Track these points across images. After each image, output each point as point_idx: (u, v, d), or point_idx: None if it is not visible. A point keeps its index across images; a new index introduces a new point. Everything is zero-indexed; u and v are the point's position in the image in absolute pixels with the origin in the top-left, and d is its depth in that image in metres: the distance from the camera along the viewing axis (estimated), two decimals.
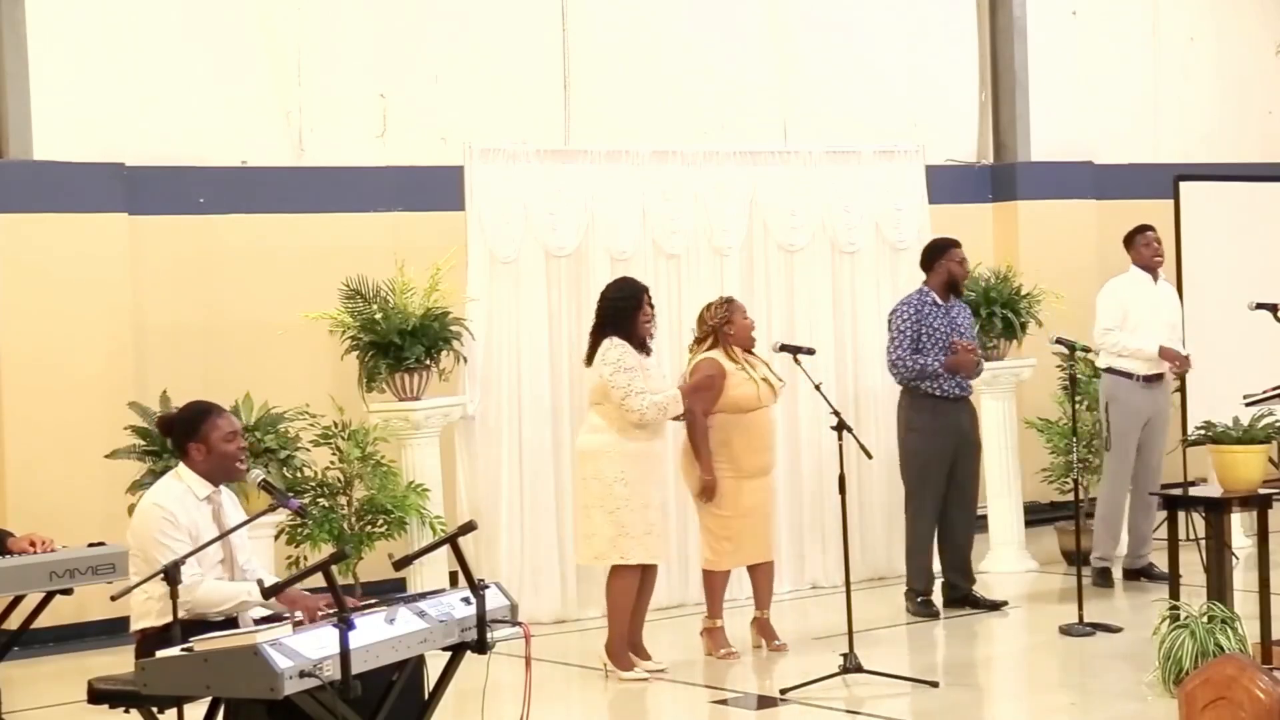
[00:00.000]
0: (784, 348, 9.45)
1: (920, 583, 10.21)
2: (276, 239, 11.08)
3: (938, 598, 10.27)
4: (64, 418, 10.20)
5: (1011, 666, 9.60)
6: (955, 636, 9.92)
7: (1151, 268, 10.78)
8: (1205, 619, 7.78)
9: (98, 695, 6.38)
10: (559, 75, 12.01)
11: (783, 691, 8.49)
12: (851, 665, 8.53)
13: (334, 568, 5.64)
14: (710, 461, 9.11)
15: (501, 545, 10.31)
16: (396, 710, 5.96)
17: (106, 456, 9.60)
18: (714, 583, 9.37)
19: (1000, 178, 13.73)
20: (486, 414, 10.37)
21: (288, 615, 6.19)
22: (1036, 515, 12.38)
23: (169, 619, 6.04)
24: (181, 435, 6.65)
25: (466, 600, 6.07)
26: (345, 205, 11.30)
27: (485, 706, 6.67)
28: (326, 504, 9.80)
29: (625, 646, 8.96)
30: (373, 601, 6.11)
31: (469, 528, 6.46)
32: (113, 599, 6.26)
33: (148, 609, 6.41)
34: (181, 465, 6.64)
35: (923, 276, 10.92)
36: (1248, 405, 8.59)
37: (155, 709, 6.16)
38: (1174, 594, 8.32)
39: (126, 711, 6.25)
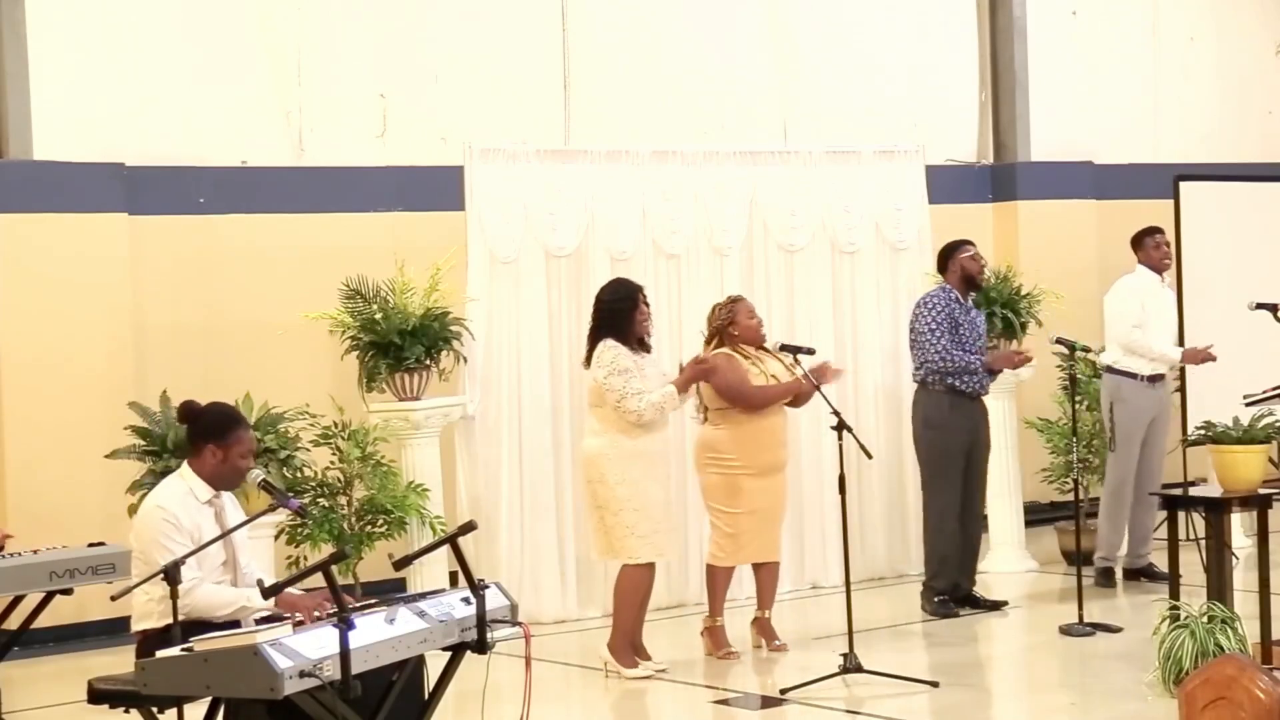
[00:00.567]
0: (784, 348, 9.44)
1: (940, 581, 10.16)
2: (276, 239, 11.08)
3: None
4: (64, 418, 10.20)
5: (1011, 666, 9.60)
6: (955, 636, 9.92)
7: (1160, 269, 10.79)
8: (1205, 619, 7.78)
9: (98, 695, 6.38)
10: (559, 75, 12.01)
11: (783, 691, 8.49)
12: (851, 665, 8.53)
13: (334, 568, 5.64)
14: (750, 386, 9.11)
15: (501, 545, 10.31)
16: (396, 710, 5.96)
17: (106, 456, 9.60)
18: (716, 580, 9.37)
19: (1000, 178, 13.72)
20: (486, 414, 10.37)
21: (286, 616, 6.19)
22: (1036, 515, 12.38)
23: (169, 620, 6.04)
24: (205, 433, 6.61)
25: (466, 600, 6.07)
26: (345, 205, 11.29)
27: (485, 706, 6.67)
28: (326, 504, 9.80)
29: (629, 644, 8.96)
30: (373, 601, 6.11)
31: (469, 528, 6.46)
32: (113, 599, 6.26)
33: (149, 610, 6.41)
34: (185, 466, 6.63)
35: (922, 276, 10.96)
36: (1248, 405, 8.58)
37: (155, 709, 6.16)
38: (1174, 594, 8.32)
39: (126, 711, 6.25)
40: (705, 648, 9.38)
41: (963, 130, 13.77)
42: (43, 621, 7.44)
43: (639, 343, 8.95)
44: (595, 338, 8.92)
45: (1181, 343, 11.14)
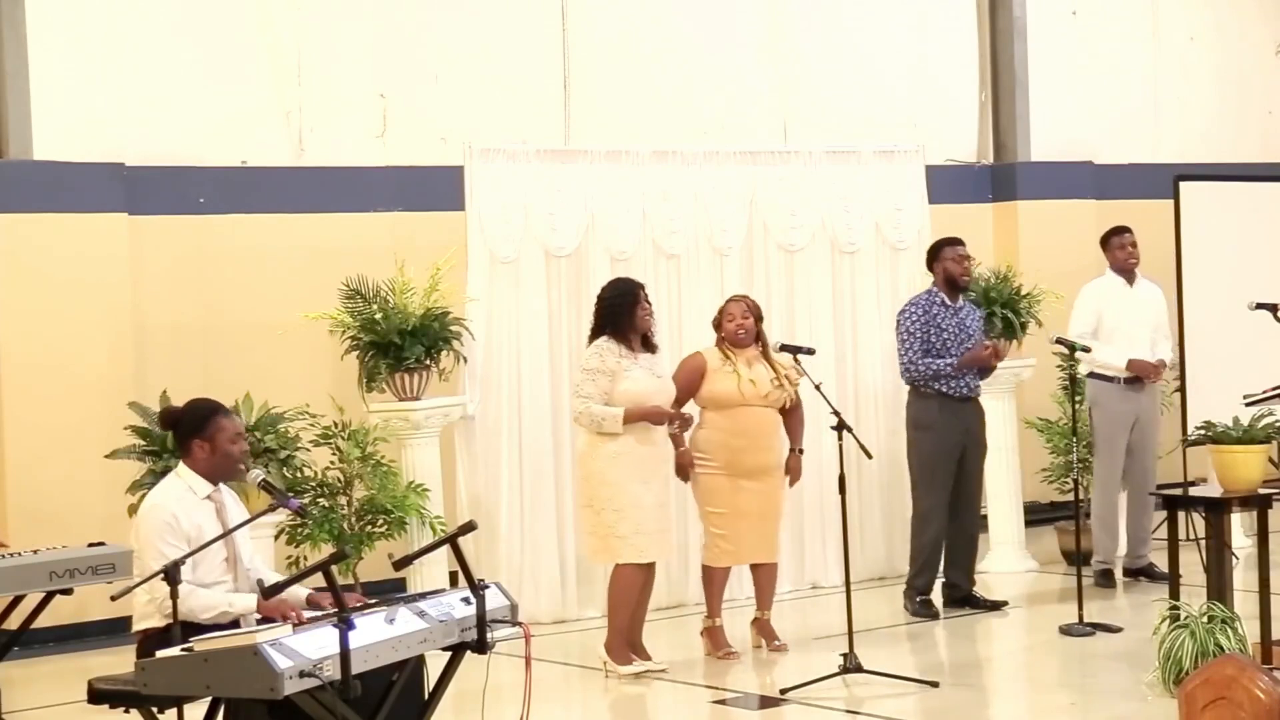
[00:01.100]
0: (784, 348, 9.44)
1: (922, 582, 10.20)
2: (276, 239, 11.08)
3: (937, 598, 10.27)
4: (64, 418, 10.20)
5: (1011, 666, 9.60)
6: (955, 636, 9.92)
7: (1127, 270, 10.80)
8: (1205, 619, 7.78)
9: (98, 695, 6.37)
10: (559, 75, 12.01)
11: (783, 691, 8.49)
12: (851, 665, 8.53)
13: (334, 568, 5.64)
14: (680, 438, 9.17)
15: (501, 545, 10.31)
16: (396, 710, 5.96)
17: (106, 456, 9.60)
18: (711, 580, 9.37)
19: (1000, 178, 13.73)
20: (486, 414, 10.38)
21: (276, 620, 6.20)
22: (1036, 515, 12.38)
23: (168, 620, 6.04)
24: (187, 431, 6.65)
25: (466, 600, 6.07)
26: (345, 205, 11.30)
27: (485, 706, 6.67)
28: (326, 504, 9.80)
29: (624, 643, 8.96)
30: (373, 601, 6.11)
31: (469, 528, 6.46)
32: (113, 599, 6.26)
33: (148, 610, 6.41)
34: (181, 464, 6.64)
35: (922, 276, 10.95)
36: (1248, 405, 8.58)
37: (155, 709, 6.15)
38: (1174, 594, 8.31)
39: (126, 711, 6.25)
40: (705, 648, 9.38)
41: (963, 130, 13.77)
42: (43, 621, 7.43)
43: (643, 340, 8.96)
44: (594, 336, 8.94)
45: (1181, 341, 11.15)
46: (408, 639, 5.81)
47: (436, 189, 11.18)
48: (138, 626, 6.50)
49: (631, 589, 8.92)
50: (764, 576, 9.49)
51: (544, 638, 9.59)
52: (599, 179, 10.70)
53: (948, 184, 12.86)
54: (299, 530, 9.64)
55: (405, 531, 9.90)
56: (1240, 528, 11.03)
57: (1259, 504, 8.46)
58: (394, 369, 10.03)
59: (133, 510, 7.14)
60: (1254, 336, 10.37)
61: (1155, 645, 7.91)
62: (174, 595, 5.96)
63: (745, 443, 9.21)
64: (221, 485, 6.67)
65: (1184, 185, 11.69)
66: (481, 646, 6.07)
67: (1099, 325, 10.63)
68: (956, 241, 10.32)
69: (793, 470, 9.42)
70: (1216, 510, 8.36)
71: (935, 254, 10.28)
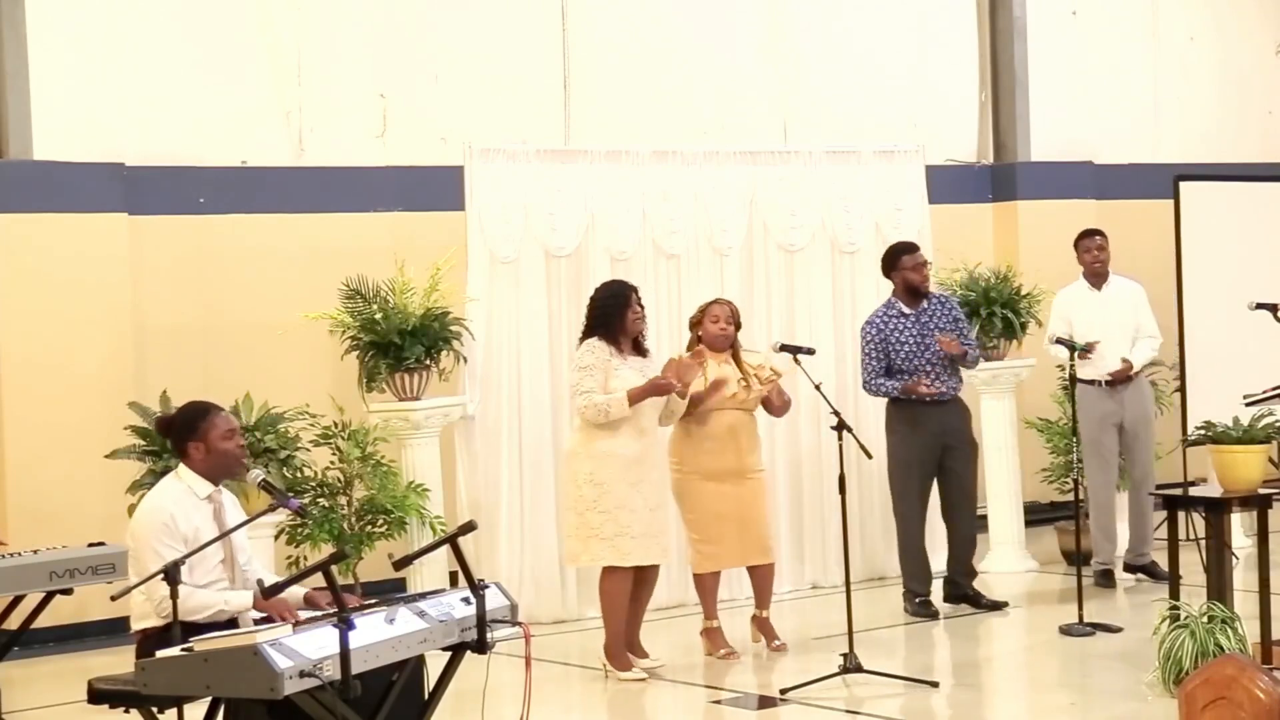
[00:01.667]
0: (784, 348, 9.44)
1: (916, 583, 10.22)
2: (276, 239, 11.08)
3: (936, 597, 10.27)
4: (64, 418, 10.20)
5: (1011, 666, 9.60)
6: (955, 636, 9.92)
7: (1094, 273, 10.81)
8: (1205, 619, 7.78)
9: (98, 695, 6.38)
10: (559, 75, 12.01)
11: (783, 691, 8.49)
12: (851, 665, 8.53)
13: (334, 568, 5.64)
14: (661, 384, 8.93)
15: (501, 545, 10.31)
16: (396, 710, 5.96)
17: (106, 456, 9.60)
18: (703, 585, 9.37)
19: (1000, 178, 13.73)
20: (486, 414, 10.37)
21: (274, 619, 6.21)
22: (1036, 515, 12.38)
23: (166, 620, 6.04)
24: (180, 436, 6.65)
25: (466, 600, 6.07)
26: (345, 205, 11.30)
27: (485, 706, 6.67)
28: (326, 504, 9.80)
29: (622, 646, 8.96)
30: (373, 601, 6.11)
31: (469, 528, 6.46)
32: (113, 599, 6.26)
33: (146, 610, 6.41)
34: (181, 466, 6.64)
35: None
36: (1248, 405, 8.58)
37: (155, 709, 6.16)
38: (1174, 594, 8.31)
39: (126, 711, 6.25)
40: (704, 648, 9.38)
41: (963, 130, 13.77)
42: (43, 621, 7.44)
43: (634, 344, 8.95)
44: (585, 337, 8.94)
45: (1181, 341, 11.16)
46: (408, 639, 5.81)
47: (436, 189, 11.18)
48: (136, 626, 6.50)
49: (619, 593, 8.90)
50: (760, 577, 9.48)
51: (544, 638, 9.59)
52: (599, 179, 10.69)
53: (948, 184, 12.86)
54: (299, 530, 9.64)
55: (405, 531, 9.90)
56: (1240, 528, 11.03)
57: (1259, 504, 8.46)
58: (394, 369, 10.03)
59: (133, 510, 7.14)
60: (1254, 336, 10.37)
61: (1155, 645, 7.91)
62: (174, 595, 5.96)
63: (715, 445, 9.19)
64: (221, 487, 6.67)
65: (1184, 185, 11.69)
66: (481, 646, 6.07)
67: (1070, 331, 10.62)
68: (913, 248, 10.31)
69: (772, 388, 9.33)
70: (1216, 510, 8.35)
71: (893, 262, 10.24)
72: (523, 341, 10.46)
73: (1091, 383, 10.66)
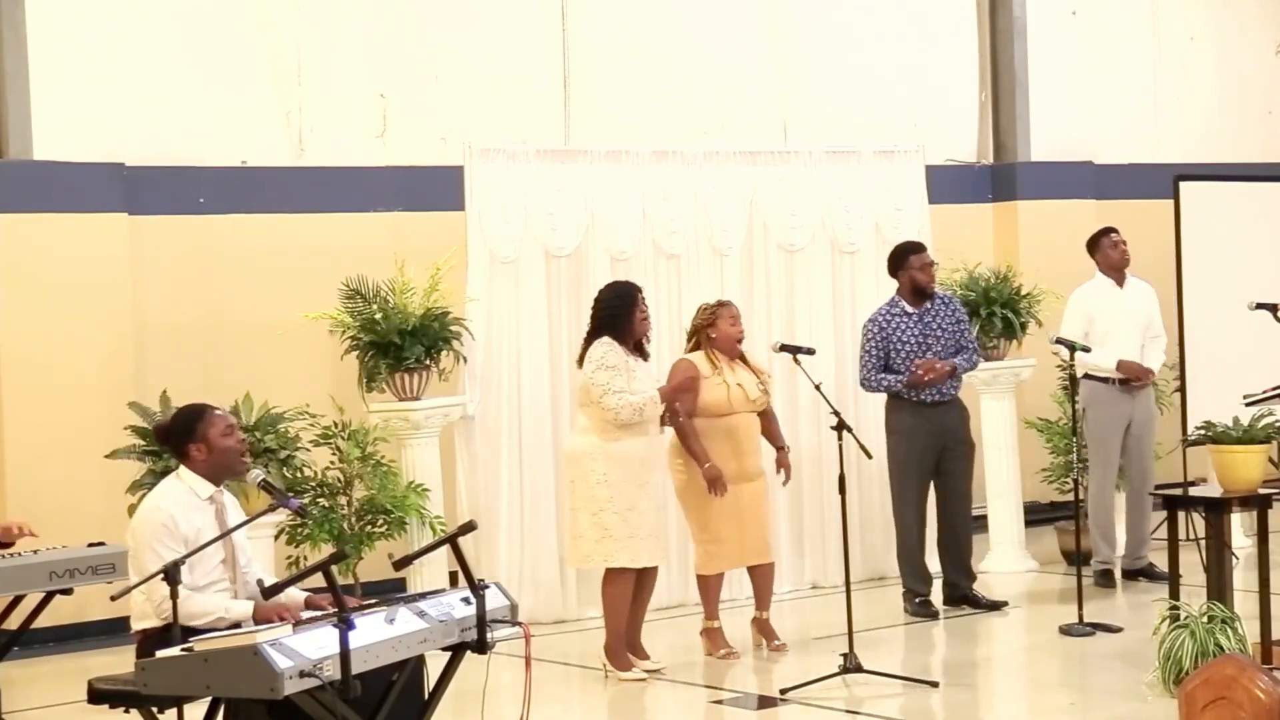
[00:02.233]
0: (784, 348, 9.44)
1: (915, 583, 10.22)
2: (276, 239, 11.08)
3: (936, 597, 10.27)
4: (64, 418, 10.20)
5: (1011, 666, 9.60)
6: (955, 636, 9.93)
7: (1121, 269, 10.79)
8: (1205, 619, 7.78)
9: (98, 695, 6.38)
10: (559, 75, 12.01)
11: (783, 691, 8.49)
12: (851, 665, 8.53)
13: (334, 568, 5.64)
14: (705, 455, 9.07)
15: (501, 545, 10.31)
16: (396, 710, 5.96)
17: (106, 456, 9.60)
18: (706, 586, 9.37)
19: (1000, 178, 13.73)
20: (486, 414, 10.37)
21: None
22: (1036, 515, 12.38)
23: (166, 621, 6.04)
24: (179, 440, 6.63)
25: (466, 600, 6.07)
26: (345, 205, 11.30)
27: (485, 706, 6.68)
28: (326, 504, 9.80)
29: (623, 647, 8.96)
30: (373, 601, 6.11)
31: (469, 528, 6.46)
32: (113, 599, 6.26)
33: (146, 610, 6.41)
34: (183, 467, 6.63)
35: None
36: (1248, 405, 8.58)
37: (155, 709, 6.16)
38: (1174, 594, 8.31)
39: (126, 711, 6.25)
40: (704, 648, 9.38)
41: (963, 130, 13.78)
42: (43, 621, 7.44)
43: (636, 346, 8.94)
44: (592, 338, 8.92)
45: (1181, 341, 11.15)
46: (408, 639, 5.81)
47: (436, 189, 11.18)
48: (136, 627, 6.50)
49: (623, 595, 8.90)
50: (761, 577, 9.49)
51: (544, 638, 9.59)
52: (599, 179, 10.69)
53: (948, 184, 12.86)
54: (299, 530, 9.64)
55: (405, 531, 9.90)
56: (1240, 528, 11.02)
57: (1259, 504, 8.46)
58: (394, 369, 10.03)
59: (133, 510, 7.14)
60: (1254, 336, 10.37)
61: (1155, 645, 7.91)
62: (174, 596, 5.96)
63: (731, 449, 9.19)
64: (223, 489, 6.66)
65: (1184, 185, 11.69)
66: (481, 646, 6.07)
67: (1090, 329, 10.62)
68: (920, 248, 10.31)
69: (786, 467, 9.40)
70: (1216, 510, 8.36)
71: (900, 261, 10.23)
72: (523, 341, 10.46)
73: (1106, 381, 10.64)
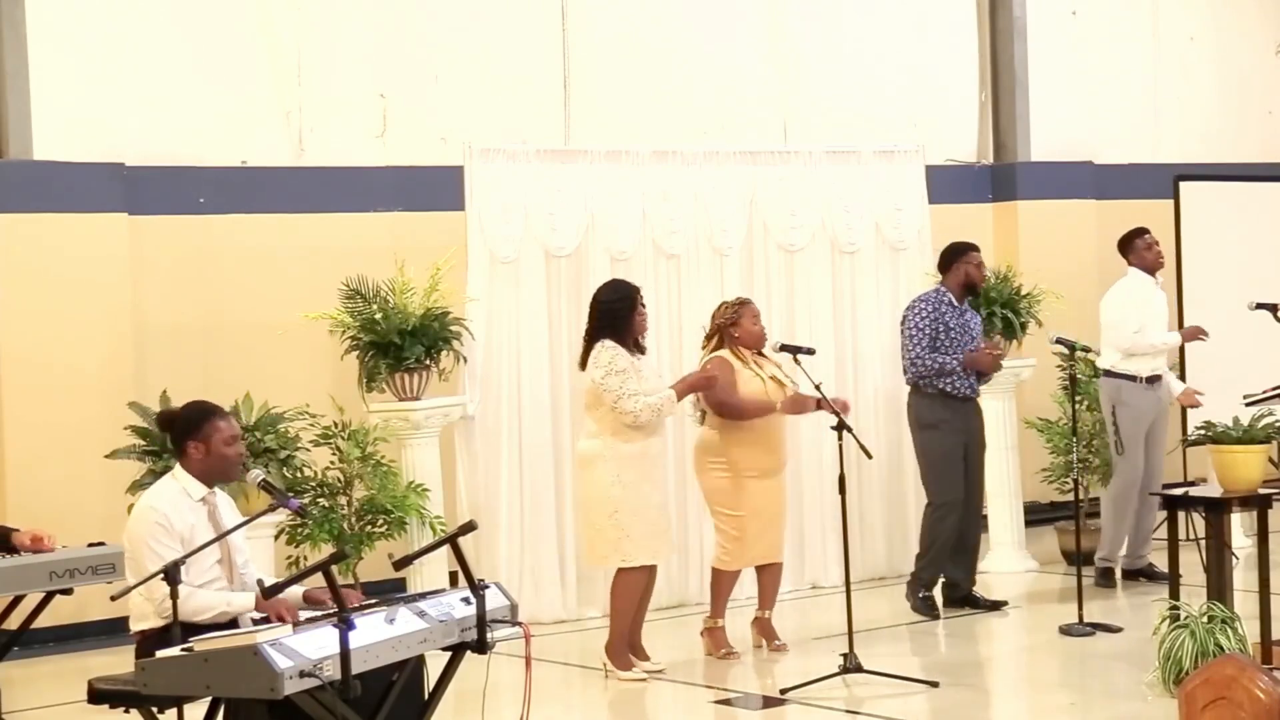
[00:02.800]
0: (784, 348, 9.44)
1: (929, 575, 10.17)
2: (276, 239, 11.08)
3: (937, 597, 10.26)
4: (64, 418, 10.20)
5: (1011, 666, 9.60)
6: (955, 636, 9.93)
7: (1155, 269, 10.78)
8: (1205, 619, 7.78)
9: (98, 695, 6.37)
10: (559, 75, 12.01)
11: (783, 691, 8.49)
12: (851, 665, 8.53)
13: (334, 568, 5.64)
14: (749, 399, 9.08)
15: (501, 545, 10.31)
16: (396, 710, 5.96)
17: (106, 456, 9.60)
18: (721, 583, 9.36)
19: (1000, 178, 13.73)
20: (486, 414, 10.37)
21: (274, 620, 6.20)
22: (1036, 515, 12.38)
23: (166, 621, 6.04)
24: (182, 432, 6.65)
25: (466, 600, 6.07)
26: (345, 205, 11.30)
27: (485, 706, 6.68)
28: (326, 504, 9.80)
29: (625, 646, 8.96)
30: (373, 601, 6.11)
31: (469, 528, 6.46)
32: (113, 599, 6.26)
33: (145, 610, 6.41)
34: (177, 466, 6.64)
35: (922, 276, 10.94)
36: (1248, 405, 8.59)
37: (155, 709, 6.16)
38: (1174, 594, 8.32)
39: (126, 711, 6.25)
40: (705, 648, 9.37)
41: (963, 130, 13.78)
42: (43, 621, 7.43)
43: (635, 344, 8.95)
44: (592, 339, 8.91)
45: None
46: (408, 639, 5.81)
47: (436, 189, 11.18)
48: (135, 627, 6.50)
49: (634, 592, 8.91)
50: (769, 576, 9.49)
51: (544, 638, 9.59)
52: (599, 179, 10.70)
53: (948, 184, 12.86)
54: (299, 530, 9.64)
55: (405, 531, 9.90)
56: (1240, 528, 11.03)
57: (1259, 504, 8.47)
58: (394, 369, 10.03)
59: (132, 510, 7.15)
60: (1254, 336, 10.39)
61: (1155, 645, 7.91)
62: (174, 595, 5.96)
63: (766, 442, 9.21)
64: (216, 489, 6.67)
65: (1184, 185, 11.71)
66: (481, 646, 6.07)
67: (1143, 324, 10.61)
68: (975, 247, 10.34)
69: (842, 404, 9.21)
70: (1216, 510, 8.36)
71: (957, 256, 10.22)
72: (523, 341, 10.46)
73: (1132, 379, 10.61)
